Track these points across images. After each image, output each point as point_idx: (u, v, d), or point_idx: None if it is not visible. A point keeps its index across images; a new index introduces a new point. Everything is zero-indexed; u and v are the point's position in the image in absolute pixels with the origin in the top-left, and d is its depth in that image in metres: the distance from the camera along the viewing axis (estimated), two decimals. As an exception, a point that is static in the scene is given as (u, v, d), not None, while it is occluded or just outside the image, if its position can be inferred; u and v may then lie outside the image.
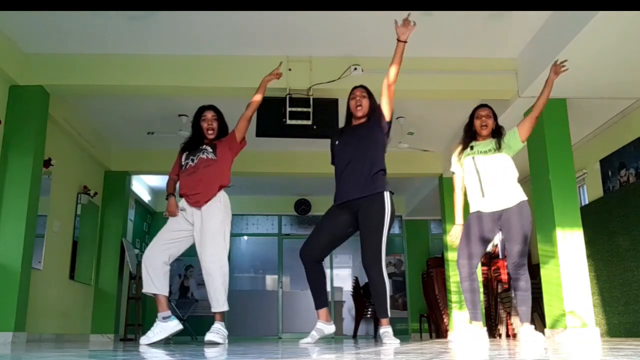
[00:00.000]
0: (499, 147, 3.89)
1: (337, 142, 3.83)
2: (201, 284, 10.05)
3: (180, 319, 9.06)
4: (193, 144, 3.96)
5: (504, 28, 4.89)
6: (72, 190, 6.65)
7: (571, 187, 5.15)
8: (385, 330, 3.59)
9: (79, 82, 5.31)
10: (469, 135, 4.04)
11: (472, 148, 3.97)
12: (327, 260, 10.83)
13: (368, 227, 3.58)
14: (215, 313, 3.85)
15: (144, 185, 9.34)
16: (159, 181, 9.32)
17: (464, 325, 3.88)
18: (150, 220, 10.09)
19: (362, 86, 3.94)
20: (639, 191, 5.52)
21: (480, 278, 7.11)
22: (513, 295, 6.32)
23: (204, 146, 3.92)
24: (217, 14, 4.68)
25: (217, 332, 3.75)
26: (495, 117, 4.06)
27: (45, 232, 5.88)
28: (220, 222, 3.78)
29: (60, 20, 4.75)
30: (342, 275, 11.00)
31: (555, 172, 5.15)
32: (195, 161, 3.87)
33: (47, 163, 5.54)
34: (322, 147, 7.47)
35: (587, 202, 6.51)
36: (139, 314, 8.08)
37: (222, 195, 3.86)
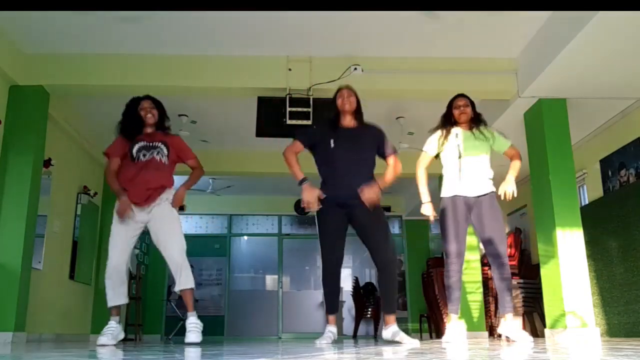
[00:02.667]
0: (482, 138, 4.03)
1: (332, 141, 3.86)
2: (201, 284, 10.06)
3: (180, 319, 9.10)
4: (135, 131, 3.96)
5: (504, 28, 4.89)
6: (72, 190, 6.65)
7: (571, 187, 5.14)
8: (396, 329, 3.62)
9: (79, 82, 5.31)
10: (447, 124, 4.14)
11: (457, 136, 4.06)
12: (327, 260, 10.90)
13: (381, 223, 3.76)
14: (184, 291, 3.80)
15: (144, 185, 9.32)
16: (159, 181, 9.31)
17: (452, 323, 3.87)
18: (150, 220, 10.07)
19: (347, 86, 4.04)
20: (639, 191, 5.52)
21: (480, 278, 7.11)
22: (513, 294, 6.34)
23: (158, 143, 3.93)
24: (217, 14, 4.67)
25: (196, 329, 3.72)
26: (473, 106, 4.16)
27: (45, 232, 5.88)
28: (173, 216, 3.90)
29: (60, 20, 4.75)
30: (342, 275, 10.99)
31: (555, 172, 5.15)
32: (148, 157, 3.88)
33: (47, 163, 5.53)
34: (322, 147, 7.50)
35: (587, 202, 6.51)
36: (139, 314, 8.08)
37: (167, 193, 3.93)
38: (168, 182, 3.96)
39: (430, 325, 8.77)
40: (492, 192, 4.00)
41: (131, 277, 8.14)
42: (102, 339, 3.72)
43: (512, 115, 5.61)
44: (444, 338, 3.91)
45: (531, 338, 3.88)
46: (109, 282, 3.82)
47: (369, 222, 3.72)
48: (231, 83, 5.36)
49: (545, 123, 5.24)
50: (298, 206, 10.42)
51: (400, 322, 10.36)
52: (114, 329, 3.81)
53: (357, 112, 3.93)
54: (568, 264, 4.92)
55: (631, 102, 5.51)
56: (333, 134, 3.89)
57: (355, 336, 9.46)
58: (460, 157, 3.99)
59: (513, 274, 6.78)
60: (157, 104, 4.03)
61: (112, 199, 7.57)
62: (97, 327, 7.14)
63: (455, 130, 4.10)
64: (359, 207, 3.68)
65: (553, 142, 5.21)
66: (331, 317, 3.86)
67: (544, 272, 5.12)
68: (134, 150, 3.92)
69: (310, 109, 5.29)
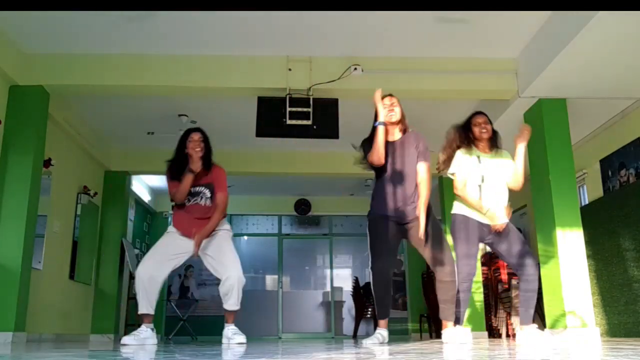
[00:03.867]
0: (501, 157, 3.92)
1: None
2: (201, 284, 10.06)
3: (180, 319, 9.10)
4: (180, 170, 3.99)
5: (504, 28, 4.88)
6: (72, 190, 6.65)
7: (571, 187, 5.14)
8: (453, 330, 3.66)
9: (79, 82, 5.31)
10: (465, 143, 3.96)
11: (479, 157, 3.90)
12: (327, 260, 10.93)
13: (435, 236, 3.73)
14: (230, 313, 3.97)
15: (144, 185, 9.33)
16: (159, 181, 9.32)
17: (454, 326, 3.83)
18: (150, 220, 10.09)
19: (390, 95, 3.93)
20: (639, 191, 5.52)
21: (480, 278, 7.10)
22: (513, 295, 6.33)
23: (202, 188, 3.99)
24: (217, 14, 4.67)
25: (239, 332, 3.90)
26: (491, 123, 4.02)
27: (45, 232, 5.87)
28: (228, 238, 4.07)
29: (60, 20, 4.75)
30: (342, 275, 11.00)
31: (555, 172, 5.15)
32: (192, 203, 3.99)
33: (47, 163, 5.53)
34: (322, 147, 7.50)
35: (587, 202, 6.51)
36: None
37: (219, 225, 4.03)
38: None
39: (430, 325, 8.76)
40: (507, 222, 3.85)
41: (131, 277, 8.15)
42: (126, 339, 3.73)
43: (512, 115, 5.61)
44: (444, 337, 3.85)
45: (550, 336, 3.88)
46: (143, 291, 3.83)
47: (424, 238, 3.66)
48: (231, 83, 5.36)
49: (545, 123, 5.24)
50: (298, 206, 10.43)
51: (401, 322, 10.38)
52: (142, 332, 3.80)
53: (403, 121, 3.91)
54: (568, 264, 4.92)
55: (631, 102, 5.51)
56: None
57: (355, 336, 9.46)
58: (482, 182, 3.85)
59: (513, 274, 6.77)
60: (205, 138, 4.07)
61: (112, 199, 7.60)
62: (97, 327, 7.15)
63: (475, 152, 3.92)
64: (411, 226, 3.69)
65: (553, 142, 5.21)
66: (382, 322, 3.78)
67: (544, 272, 5.12)
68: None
69: (310, 109, 5.29)
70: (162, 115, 6.51)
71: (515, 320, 6.36)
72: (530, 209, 6.95)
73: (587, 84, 5.08)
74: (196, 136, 4.02)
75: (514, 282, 6.30)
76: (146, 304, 3.83)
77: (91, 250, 7.19)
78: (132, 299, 8.04)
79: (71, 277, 6.57)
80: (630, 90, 5.26)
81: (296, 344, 4.15)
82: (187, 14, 4.66)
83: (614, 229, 5.87)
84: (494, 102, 5.67)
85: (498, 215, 3.80)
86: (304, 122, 5.28)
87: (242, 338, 3.81)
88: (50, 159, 5.62)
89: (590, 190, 6.47)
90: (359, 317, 9.77)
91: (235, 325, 3.95)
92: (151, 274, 3.83)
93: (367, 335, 9.83)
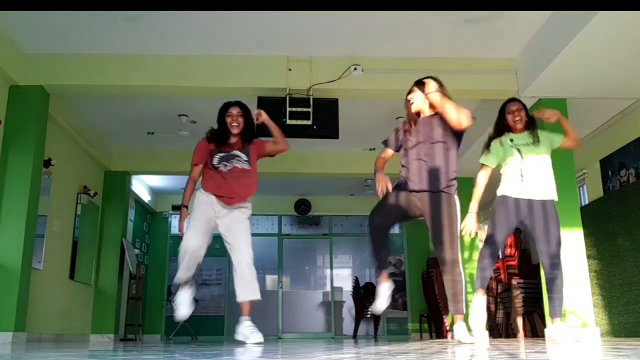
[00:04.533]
0: (537, 140, 3.89)
1: (403, 135, 3.71)
2: (201, 283, 10.05)
3: (180, 319, 9.07)
4: (220, 139, 3.96)
5: (504, 28, 4.89)
6: (72, 190, 6.65)
7: (571, 187, 5.14)
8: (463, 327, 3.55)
9: (79, 82, 5.31)
10: (499, 133, 3.98)
11: (512, 140, 3.91)
12: (326, 260, 10.93)
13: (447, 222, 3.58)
14: (244, 304, 3.88)
15: (144, 185, 9.33)
16: (159, 181, 9.32)
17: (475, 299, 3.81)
18: (150, 220, 10.09)
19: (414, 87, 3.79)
20: (639, 191, 5.52)
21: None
22: (513, 295, 6.32)
23: (237, 152, 3.95)
24: (217, 14, 4.67)
25: (256, 330, 3.78)
26: (526, 109, 4.01)
27: (45, 232, 5.88)
28: (248, 222, 3.96)
29: (60, 20, 4.75)
30: (342, 275, 11.00)
31: (555, 172, 5.13)
32: (229, 167, 3.92)
33: (47, 163, 5.54)
34: (322, 147, 7.51)
35: (587, 202, 6.51)
36: (138, 314, 8.08)
37: (249, 202, 4.01)
38: (253, 188, 4.01)
39: (430, 325, 8.76)
40: (553, 199, 3.88)
41: (131, 277, 8.15)
42: (182, 309, 3.84)
43: (512, 115, 5.60)
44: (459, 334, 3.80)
45: (578, 339, 3.89)
46: (184, 264, 3.81)
47: (435, 221, 3.55)
48: (231, 83, 5.36)
49: (545, 123, 5.23)
50: (298, 206, 10.44)
51: (401, 322, 10.37)
52: (188, 291, 3.89)
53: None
54: (568, 264, 4.91)
55: (631, 102, 5.51)
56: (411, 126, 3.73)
57: (355, 336, 9.46)
58: (522, 164, 3.85)
59: (513, 274, 6.78)
60: (245, 112, 4.01)
61: (112, 199, 7.59)
62: (97, 327, 7.15)
63: (509, 136, 3.94)
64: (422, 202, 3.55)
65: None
66: (384, 273, 3.65)
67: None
68: (214, 162, 3.93)
69: (310, 109, 5.29)
70: (162, 115, 6.51)
71: (515, 320, 6.36)
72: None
73: (587, 84, 5.08)
74: (235, 110, 3.97)
75: (514, 282, 6.30)
76: (183, 274, 3.86)
77: (91, 250, 7.19)
78: (132, 299, 8.04)
79: (71, 277, 6.57)
80: (630, 90, 5.26)
81: (296, 344, 4.15)
82: (187, 14, 4.66)
83: (614, 229, 5.87)
84: (494, 102, 5.66)
85: (540, 188, 3.83)
86: (304, 122, 5.28)
87: (259, 337, 3.72)
88: (50, 159, 5.62)
89: (590, 190, 6.46)
90: (359, 317, 9.76)
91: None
92: (193, 248, 3.81)
93: (367, 335, 9.88)
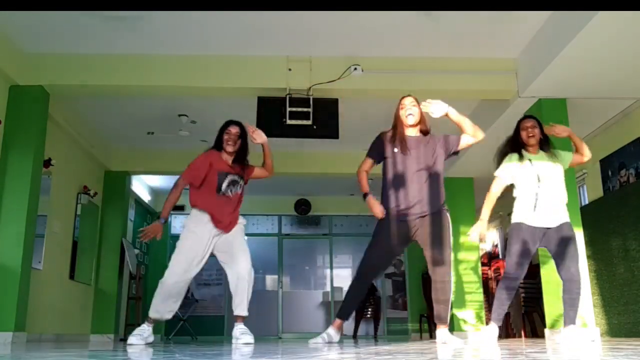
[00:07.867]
0: (556, 160, 3.95)
1: (395, 150, 3.76)
2: (201, 284, 10.05)
3: (180, 319, 9.10)
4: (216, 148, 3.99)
5: (504, 28, 4.89)
6: (72, 190, 6.65)
7: (571, 187, 5.13)
8: (447, 333, 3.72)
9: (79, 82, 5.31)
10: (515, 148, 4.01)
11: (530, 161, 3.94)
12: (326, 260, 10.93)
13: (442, 238, 3.66)
14: (238, 316, 3.89)
15: (144, 185, 9.33)
16: (159, 181, 9.32)
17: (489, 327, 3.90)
18: (150, 220, 10.08)
19: (409, 95, 3.88)
20: (639, 191, 5.52)
21: (480, 278, 7.11)
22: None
23: (237, 178, 3.98)
24: (217, 14, 4.67)
25: (247, 332, 3.84)
26: (540, 127, 4.05)
27: (45, 232, 5.88)
28: (244, 236, 4.06)
29: (60, 20, 4.75)
30: (342, 275, 11.00)
31: (555, 172, 5.14)
32: (232, 194, 3.96)
33: (47, 163, 5.53)
34: (322, 147, 7.50)
35: (587, 202, 6.51)
36: (139, 314, 8.07)
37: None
38: (240, 206, 4.11)
39: (430, 325, 8.76)
40: (568, 222, 3.91)
41: (131, 277, 8.15)
42: (132, 339, 3.71)
43: (512, 115, 5.58)
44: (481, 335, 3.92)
45: (592, 339, 3.96)
46: (163, 296, 3.75)
47: (433, 239, 3.65)
48: (231, 83, 5.36)
49: (545, 123, 5.23)
50: (298, 206, 10.43)
51: (401, 322, 10.37)
52: (145, 331, 3.79)
53: (423, 123, 3.83)
54: (568, 264, 4.91)
55: (631, 102, 5.51)
56: (394, 141, 3.82)
57: (355, 336, 9.46)
58: (539, 181, 3.87)
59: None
60: (243, 133, 4.01)
61: (112, 199, 7.59)
62: (97, 327, 7.15)
63: (527, 156, 3.96)
64: (424, 222, 3.66)
65: (553, 142, 5.19)
66: (338, 322, 3.83)
67: (544, 272, 5.12)
68: (224, 186, 3.92)
69: (310, 109, 5.29)
70: (162, 115, 6.51)
71: (514, 320, 6.36)
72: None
73: (587, 84, 5.08)
74: (234, 129, 3.97)
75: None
76: (160, 310, 3.80)
77: (91, 250, 7.19)
78: (132, 299, 8.04)
79: (71, 277, 6.57)
80: (630, 90, 5.26)
81: (296, 344, 4.15)
82: (187, 14, 4.66)
83: (614, 229, 5.87)
84: (494, 102, 5.67)
85: (554, 215, 3.86)
86: (304, 122, 5.28)
87: (249, 338, 3.77)
88: (50, 159, 5.62)
89: (590, 190, 6.47)
90: (359, 317, 9.75)
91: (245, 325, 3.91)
92: (177, 279, 3.75)
93: (367, 335, 9.88)
